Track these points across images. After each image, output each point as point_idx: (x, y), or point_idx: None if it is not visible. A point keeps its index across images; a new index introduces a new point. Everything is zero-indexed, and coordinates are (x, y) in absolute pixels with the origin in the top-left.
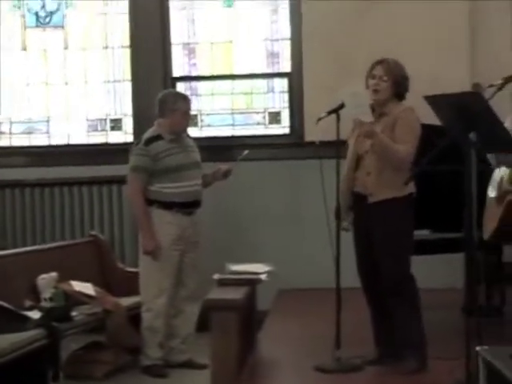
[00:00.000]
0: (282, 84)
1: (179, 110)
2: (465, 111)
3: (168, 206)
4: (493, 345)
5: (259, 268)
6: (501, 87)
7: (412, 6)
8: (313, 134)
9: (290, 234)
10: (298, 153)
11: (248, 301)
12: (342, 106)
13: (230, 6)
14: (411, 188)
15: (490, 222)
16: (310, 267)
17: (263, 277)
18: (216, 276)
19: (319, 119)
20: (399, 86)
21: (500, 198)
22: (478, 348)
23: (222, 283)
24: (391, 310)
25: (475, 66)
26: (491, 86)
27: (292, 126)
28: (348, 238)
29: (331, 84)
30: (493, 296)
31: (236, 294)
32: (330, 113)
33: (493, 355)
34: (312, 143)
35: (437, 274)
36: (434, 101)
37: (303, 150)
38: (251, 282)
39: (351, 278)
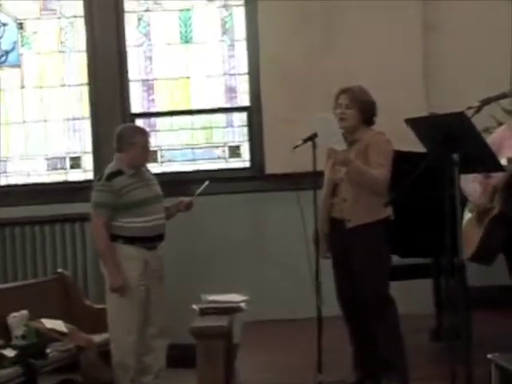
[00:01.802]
0: (241, 118)
1: (138, 143)
2: (448, 132)
3: (133, 240)
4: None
5: (235, 298)
6: (478, 110)
7: (367, 39)
8: (273, 166)
9: (254, 265)
10: (259, 186)
11: (230, 329)
12: (315, 135)
13: (187, 41)
14: (388, 211)
15: (471, 242)
16: (274, 298)
17: (243, 305)
18: (195, 306)
19: (295, 147)
20: (366, 112)
21: (479, 216)
22: (489, 355)
23: (204, 312)
24: (373, 333)
25: (430, 96)
26: (469, 108)
27: (252, 160)
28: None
29: (290, 117)
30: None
31: (220, 321)
32: (305, 141)
33: (507, 361)
34: (273, 176)
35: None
36: (415, 123)
37: (264, 183)
38: (232, 311)
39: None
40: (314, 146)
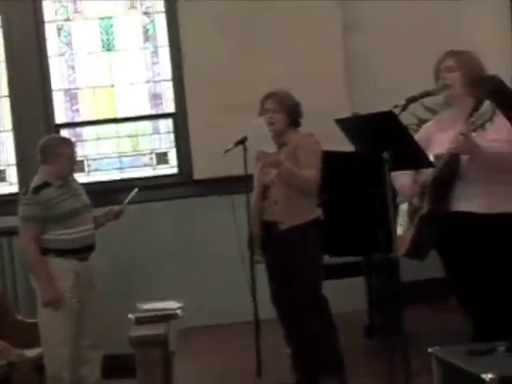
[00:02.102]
0: (167, 124)
1: (64, 154)
2: (378, 131)
3: (64, 253)
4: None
5: (171, 305)
6: (404, 108)
7: (289, 42)
8: (201, 171)
9: (189, 271)
10: (187, 191)
11: (166, 337)
12: (245, 139)
13: (109, 49)
14: (318, 211)
15: (404, 239)
16: (211, 304)
17: (179, 312)
18: (131, 315)
19: (226, 151)
20: (293, 114)
21: (411, 215)
22: (430, 349)
23: (140, 321)
24: (308, 333)
25: (353, 96)
26: (396, 106)
27: (180, 166)
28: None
29: (216, 121)
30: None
31: (157, 329)
32: (236, 144)
33: (448, 354)
34: (201, 181)
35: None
36: (345, 123)
37: (193, 189)
38: (168, 318)
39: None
40: (245, 150)
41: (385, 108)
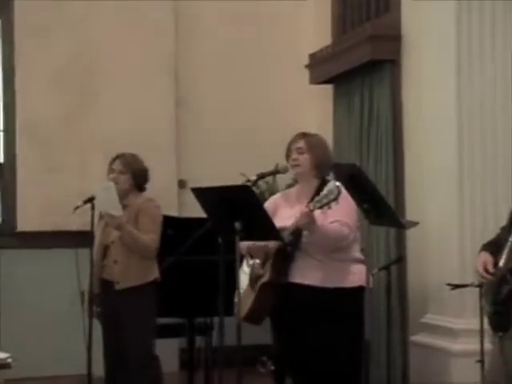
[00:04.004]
0: None
1: None
2: (232, 202)
3: None
4: None
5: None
6: (254, 183)
7: (123, 106)
8: (25, 224)
9: (19, 323)
10: (10, 243)
11: None
12: (93, 198)
13: None
14: (156, 273)
15: (245, 305)
16: (40, 355)
17: (12, 362)
18: None
19: (76, 208)
20: (138, 178)
21: (252, 282)
22: None
23: None
24: None
25: (181, 164)
26: (248, 181)
27: (4, 216)
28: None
29: (44, 178)
30: (211, 379)
31: None
32: (85, 202)
33: None
34: (24, 233)
35: None
36: (201, 192)
37: (16, 241)
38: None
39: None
40: (93, 208)
41: (215, 178)
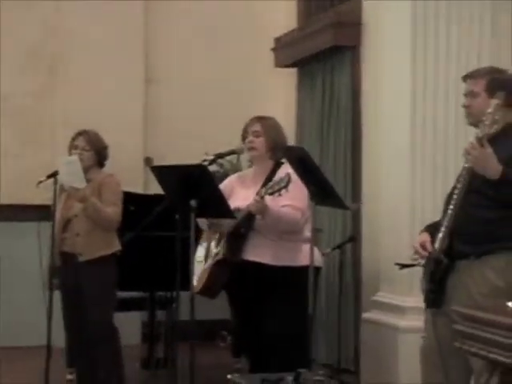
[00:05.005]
0: None
1: None
2: (189, 181)
3: None
4: None
5: None
6: (211, 162)
7: (93, 84)
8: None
9: None
10: None
11: None
12: (56, 173)
13: None
14: (117, 246)
15: (200, 280)
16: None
17: None
18: None
19: (39, 182)
20: (101, 155)
21: (208, 258)
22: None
23: None
24: (97, 361)
25: (149, 142)
26: (204, 160)
27: None
28: None
29: (18, 151)
30: (169, 350)
31: None
32: (48, 177)
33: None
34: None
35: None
36: (160, 171)
37: None
38: None
39: None
40: (56, 182)
41: (181, 156)
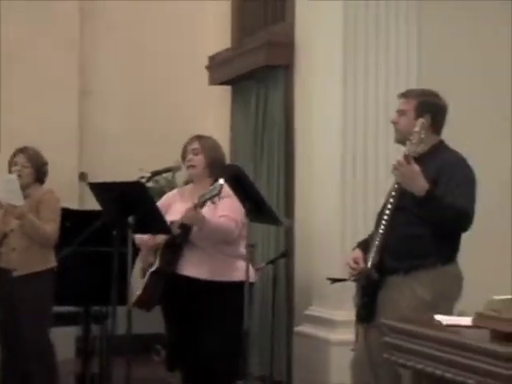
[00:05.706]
0: None
1: None
2: (126, 197)
3: None
4: None
5: None
6: (148, 180)
7: (31, 98)
8: None
9: None
10: None
11: None
12: None
13: None
14: (53, 262)
15: (137, 292)
16: None
17: None
18: None
19: None
20: (40, 172)
21: (144, 270)
22: None
23: None
24: (31, 377)
25: (82, 157)
26: (142, 177)
27: None
28: None
29: None
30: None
31: None
32: None
33: None
34: None
35: None
36: (98, 188)
37: None
38: None
39: None
40: None
41: (115, 171)
